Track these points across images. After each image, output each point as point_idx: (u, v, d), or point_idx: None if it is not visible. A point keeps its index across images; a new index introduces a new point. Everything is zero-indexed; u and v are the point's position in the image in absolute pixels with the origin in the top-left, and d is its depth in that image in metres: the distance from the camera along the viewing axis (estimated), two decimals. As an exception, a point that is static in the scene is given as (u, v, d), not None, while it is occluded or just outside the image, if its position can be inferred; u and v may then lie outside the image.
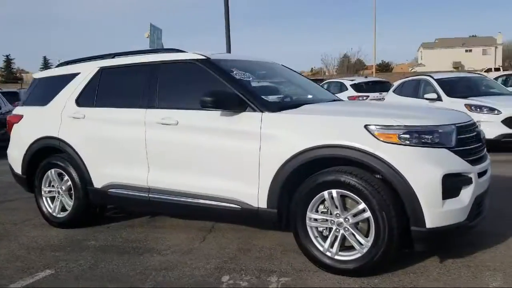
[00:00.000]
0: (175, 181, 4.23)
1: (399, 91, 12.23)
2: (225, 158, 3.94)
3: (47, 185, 5.25)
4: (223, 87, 4.03)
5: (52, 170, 5.13)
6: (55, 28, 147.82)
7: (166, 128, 4.26)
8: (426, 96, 10.62)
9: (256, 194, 3.79)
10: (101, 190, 4.74)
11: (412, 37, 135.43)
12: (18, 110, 5.69)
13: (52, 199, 5.25)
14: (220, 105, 3.87)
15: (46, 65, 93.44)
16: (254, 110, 3.86)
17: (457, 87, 10.72)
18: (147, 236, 4.72)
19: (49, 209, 5.21)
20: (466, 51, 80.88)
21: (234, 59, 4.67)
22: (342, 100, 5.35)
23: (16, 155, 5.48)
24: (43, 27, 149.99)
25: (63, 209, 5.18)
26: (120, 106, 4.67)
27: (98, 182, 4.75)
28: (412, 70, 70.38)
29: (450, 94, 10.31)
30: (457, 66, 73.28)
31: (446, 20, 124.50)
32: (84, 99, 4.97)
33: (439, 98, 10.34)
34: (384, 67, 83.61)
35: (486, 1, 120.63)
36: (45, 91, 5.45)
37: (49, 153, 5.22)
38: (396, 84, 12.78)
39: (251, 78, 4.25)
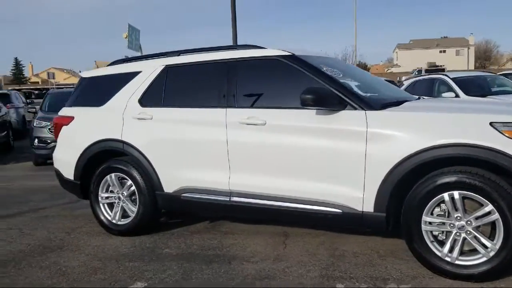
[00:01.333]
0: (263, 185, 4.02)
1: (411, 90, 12.21)
2: (323, 160, 3.75)
3: (104, 191, 4.95)
4: (316, 85, 3.84)
5: (112, 175, 4.84)
6: (25, 28, 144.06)
7: (252, 128, 4.04)
8: (443, 95, 10.64)
9: (360, 198, 3.62)
10: (172, 195, 4.49)
11: (385, 39, 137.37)
12: (66, 111, 5.35)
13: (110, 205, 4.96)
14: (321, 103, 3.68)
15: (17, 66, 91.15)
16: (355, 108, 3.68)
17: (474, 85, 10.78)
18: (221, 243, 4.49)
19: (108, 216, 4.91)
20: (440, 51, 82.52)
21: (316, 56, 4.48)
22: (426, 98, 5.24)
23: (67, 159, 5.15)
24: (12, 27, 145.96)
25: (123, 216, 4.88)
26: (193, 106, 4.43)
27: (169, 186, 4.49)
28: (388, 71, 71.41)
29: (467, 92, 10.34)
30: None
31: (419, 21, 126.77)
32: (149, 99, 4.69)
33: (457, 97, 10.36)
34: (363, 68, 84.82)
35: (457, 3, 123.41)
36: (99, 91, 5.15)
37: (107, 157, 4.92)
38: (406, 83, 12.78)
39: (341, 75, 4.07)
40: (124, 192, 4.81)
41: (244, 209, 4.16)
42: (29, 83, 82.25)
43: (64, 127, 5.24)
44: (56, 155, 5.39)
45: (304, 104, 3.67)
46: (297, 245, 4.31)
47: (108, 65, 5.35)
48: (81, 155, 4.98)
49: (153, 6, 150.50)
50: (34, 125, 10.31)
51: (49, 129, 10.12)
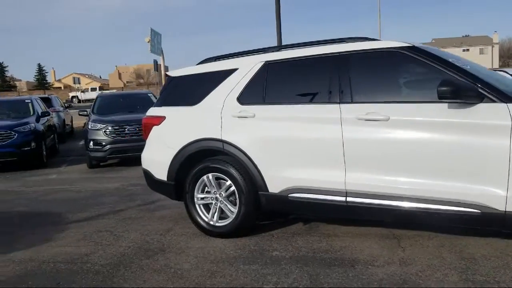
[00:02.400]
0: (387, 184, 3.81)
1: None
2: (459, 157, 3.53)
3: (200, 192, 4.80)
4: (446, 77, 3.62)
5: (210, 175, 4.68)
6: (47, 35, 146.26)
7: (373, 124, 3.83)
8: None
9: (503, 196, 3.39)
10: (278, 195, 4.31)
11: (404, 38, 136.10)
12: (156, 111, 5.22)
13: (206, 206, 4.81)
14: (458, 95, 3.46)
15: (40, 72, 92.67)
16: (494, 101, 3.45)
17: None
18: (330, 246, 4.29)
19: (205, 218, 4.76)
20: (464, 50, 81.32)
21: (431, 47, 4.25)
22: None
23: (159, 159, 5.02)
24: (35, 34, 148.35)
25: (220, 217, 4.72)
26: (300, 102, 4.25)
27: (275, 186, 4.31)
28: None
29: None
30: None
31: (440, 20, 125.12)
32: (249, 97, 4.53)
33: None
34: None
35: (479, 2, 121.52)
36: (191, 90, 5.00)
37: (202, 157, 4.77)
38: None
39: (468, 67, 3.85)
40: (222, 193, 4.65)
41: (362, 210, 3.96)
42: (51, 89, 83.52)
43: (154, 127, 5.11)
44: (146, 155, 5.26)
45: (442, 97, 3.46)
46: (415, 248, 4.09)
47: (197, 64, 5.20)
48: (176, 155, 4.84)
49: (172, 10, 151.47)
50: (89, 127, 10.27)
51: (104, 131, 10.08)
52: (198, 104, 4.82)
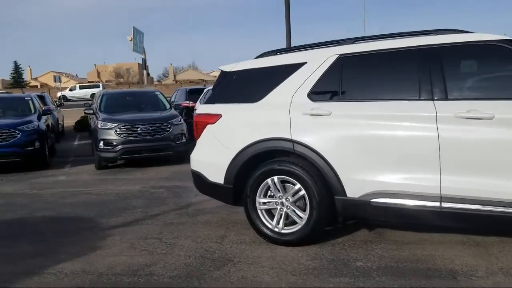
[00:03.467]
0: (491, 189, 3.53)
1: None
2: None
3: (262, 196, 4.44)
4: None
5: (275, 178, 4.33)
6: (22, 32, 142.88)
7: (475, 123, 3.55)
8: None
9: None
10: (359, 200, 3.99)
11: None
12: (209, 108, 4.84)
13: (268, 212, 4.45)
14: None
15: (17, 70, 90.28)
16: None
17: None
18: (414, 254, 4.01)
19: (268, 224, 4.41)
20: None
21: None
22: None
23: (215, 161, 4.65)
24: (9, 31, 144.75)
25: (286, 223, 4.38)
26: (384, 99, 3.93)
27: (355, 190, 3.99)
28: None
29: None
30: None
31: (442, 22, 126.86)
32: (322, 93, 4.21)
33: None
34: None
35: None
36: (251, 86, 4.65)
37: (266, 158, 4.42)
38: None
39: None
40: (289, 197, 4.31)
41: (458, 216, 3.67)
42: (27, 87, 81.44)
43: (209, 126, 4.74)
44: (197, 156, 4.88)
45: None
46: (509, 255, 3.82)
47: (256, 58, 4.84)
48: (236, 156, 4.48)
49: (152, 8, 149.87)
50: (99, 126, 9.77)
51: (116, 131, 9.60)
52: (260, 101, 4.47)
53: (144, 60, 26.11)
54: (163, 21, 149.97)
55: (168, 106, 11.21)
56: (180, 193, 7.12)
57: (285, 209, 4.34)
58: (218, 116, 4.69)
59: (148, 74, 70.33)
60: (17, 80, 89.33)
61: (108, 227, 5.37)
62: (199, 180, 4.87)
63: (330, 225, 4.67)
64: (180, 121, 10.35)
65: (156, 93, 12.00)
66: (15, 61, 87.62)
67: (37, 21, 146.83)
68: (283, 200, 4.33)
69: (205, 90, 13.03)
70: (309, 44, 4.59)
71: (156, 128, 9.83)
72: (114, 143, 9.60)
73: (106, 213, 6.04)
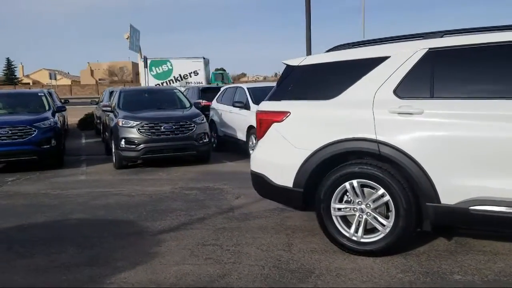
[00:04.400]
0: None
1: None
2: None
3: (337, 201, 4.09)
4: None
5: (354, 182, 3.98)
6: (14, 29, 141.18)
7: None
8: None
9: None
10: (455, 208, 3.64)
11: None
12: (275, 105, 4.48)
13: (343, 218, 4.10)
14: None
15: (9, 67, 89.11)
16: None
17: None
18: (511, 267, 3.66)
19: (345, 232, 4.06)
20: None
21: None
22: None
23: (283, 162, 4.30)
24: (2, 28, 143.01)
25: (365, 231, 4.03)
26: (487, 97, 3.58)
27: (450, 197, 3.65)
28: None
29: None
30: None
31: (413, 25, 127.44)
32: (410, 90, 3.86)
33: None
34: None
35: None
36: (323, 81, 4.31)
37: (343, 160, 4.07)
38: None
39: None
40: (369, 203, 3.96)
41: None
42: (19, 84, 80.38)
43: (275, 124, 4.38)
44: (261, 157, 4.52)
45: None
46: None
47: (327, 51, 4.49)
48: (309, 157, 4.12)
49: (147, 7, 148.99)
50: (121, 124, 9.34)
51: (138, 129, 9.19)
52: (336, 98, 4.12)
53: (146, 58, 25.54)
54: (157, 20, 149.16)
55: (188, 104, 10.81)
56: (215, 195, 6.76)
57: (365, 216, 3.98)
58: (286, 114, 4.33)
59: (136, 73, 69.76)
60: (9, 77, 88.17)
61: (157, 231, 4.98)
62: (262, 183, 4.51)
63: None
64: (203, 120, 9.96)
65: (175, 91, 11.59)
66: (8, 58, 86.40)
67: (30, 18, 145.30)
68: (363, 206, 3.98)
69: (222, 89, 12.64)
70: (389, 37, 4.24)
71: (179, 127, 9.44)
72: (136, 141, 9.20)
73: (147, 216, 5.65)
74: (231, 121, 11.09)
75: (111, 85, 68.75)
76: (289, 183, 4.26)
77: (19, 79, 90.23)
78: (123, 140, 9.23)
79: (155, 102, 10.83)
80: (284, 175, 4.29)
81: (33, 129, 9.32)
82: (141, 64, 24.09)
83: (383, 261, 3.87)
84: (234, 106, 10.68)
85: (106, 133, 11.38)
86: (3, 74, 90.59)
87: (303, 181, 4.17)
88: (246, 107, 10.27)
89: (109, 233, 4.98)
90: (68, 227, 5.31)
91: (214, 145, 11.64)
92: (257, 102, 10.19)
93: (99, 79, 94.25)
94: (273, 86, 11.77)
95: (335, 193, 4.07)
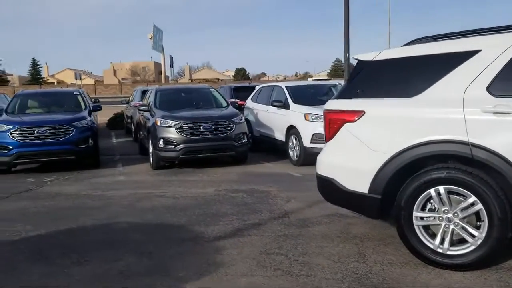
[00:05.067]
0: None
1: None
2: None
3: (420, 209, 3.72)
4: None
5: (441, 188, 3.62)
6: (42, 30, 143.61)
7: None
8: None
9: None
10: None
11: (381, 42, 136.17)
12: (347, 104, 4.15)
13: (425, 228, 3.73)
14: None
15: (35, 67, 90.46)
16: None
17: None
18: None
19: (428, 244, 3.70)
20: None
21: None
22: None
23: (358, 166, 3.96)
24: (29, 29, 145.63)
25: (452, 243, 3.65)
26: None
27: (554, 206, 3.25)
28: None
29: None
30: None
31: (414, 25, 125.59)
32: (507, 87, 3.47)
33: None
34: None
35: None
36: (403, 78, 3.95)
37: (422, 165, 3.71)
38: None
39: None
40: (457, 212, 3.59)
41: None
42: (45, 84, 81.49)
43: (347, 125, 4.04)
44: (330, 159, 4.20)
45: None
46: None
47: (405, 45, 4.13)
48: (389, 161, 3.77)
49: (167, 6, 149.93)
50: (159, 124, 9.11)
51: (177, 129, 8.94)
52: (419, 96, 3.76)
53: (172, 57, 25.39)
54: (176, 20, 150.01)
55: (225, 103, 10.53)
56: (263, 198, 6.45)
57: (452, 226, 3.61)
58: (360, 113, 3.99)
59: (162, 72, 69.90)
60: (35, 77, 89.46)
61: (213, 237, 4.69)
62: (330, 188, 4.18)
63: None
64: (242, 119, 9.67)
65: (211, 89, 11.32)
66: (33, 58, 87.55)
67: (54, 19, 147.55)
68: (450, 215, 3.61)
69: (257, 88, 12.32)
70: (471, 30, 3.87)
71: (219, 127, 9.17)
72: (175, 142, 8.96)
73: (198, 220, 5.38)
74: (268, 121, 10.76)
75: (134, 85, 69.16)
76: (364, 189, 3.92)
77: (45, 79, 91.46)
78: (162, 140, 8.99)
79: (192, 101, 10.59)
80: (358, 179, 3.95)
81: (71, 128, 9.17)
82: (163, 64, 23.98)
83: (473, 275, 3.51)
84: (272, 105, 10.35)
85: (141, 133, 11.19)
86: (29, 74, 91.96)
87: (381, 187, 3.82)
88: (286, 106, 9.94)
89: (162, 239, 4.72)
90: (119, 231, 5.06)
91: (249, 145, 11.32)
92: (296, 101, 9.87)
93: (122, 79, 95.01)
94: (312, 85, 11.33)
95: (417, 201, 3.72)
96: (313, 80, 28.83)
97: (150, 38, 57.75)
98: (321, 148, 8.70)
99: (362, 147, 3.94)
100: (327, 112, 4.27)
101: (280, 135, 10.11)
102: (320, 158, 4.35)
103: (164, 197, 6.71)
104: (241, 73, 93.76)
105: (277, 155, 10.46)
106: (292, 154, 9.55)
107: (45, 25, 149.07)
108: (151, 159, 9.45)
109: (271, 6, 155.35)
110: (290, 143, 9.63)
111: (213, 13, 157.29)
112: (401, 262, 3.84)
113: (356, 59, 4.29)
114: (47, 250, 4.47)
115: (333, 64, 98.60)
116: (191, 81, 75.67)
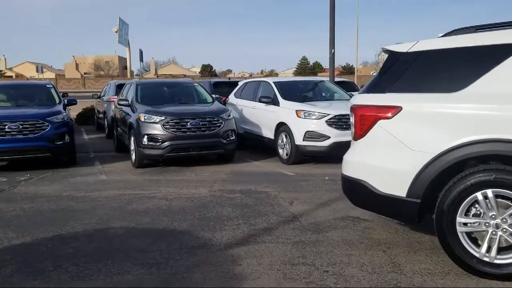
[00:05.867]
0: None
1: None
2: None
3: (463, 214, 3.42)
4: None
5: (488, 192, 3.32)
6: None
7: None
8: None
9: None
10: None
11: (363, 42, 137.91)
12: (379, 99, 3.79)
13: (469, 235, 3.43)
14: None
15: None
16: None
17: None
18: None
19: (473, 252, 3.41)
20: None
21: None
22: None
23: (395, 167, 3.61)
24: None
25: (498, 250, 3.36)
26: None
27: None
28: (374, 73, 71.33)
29: None
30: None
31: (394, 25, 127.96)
32: None
33: None
34: (349, 70, 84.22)
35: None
36: (443, 71, 3.64)
37: (464, 166, 3.41)
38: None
39: None
40: (505, 217, 3.30)
41: None
42: (2, 77, 78.21)
43: (381, 122, 3.70)
44: (362, 160, 3.84)
45: None
46: None
47: (443, 35, 3.80)
48: (431, 162, 3.45)
49: (132, 2, 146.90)
50: (142, 120, 8.54)
51: (163, 125, 8.41)
52: (463, 91, 3.45)
53: (141, 51, 24.58)
54: (141, 15, 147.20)
55: (210, 98, 10.05)
56: (263, 199, 6.08)
57: (500, 232, 3.32)
58: (396, 109, 3.64)
59: (128, 67, 68.15)
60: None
61: (224, 245, 4.27)
62: (361, 191, 3.82)
63: None
64: (230, 116, 9.23)
65: (195, 84, 10.81)
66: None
67: (12, 9, 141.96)
68: (498, 220, 3.31)
69: (241, 83, 11.86)
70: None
71: (206, 123, 8.70)
72: (161, 139, 8.41)
73: (201, 224, 4.94)
74: (254, 118, 10.34)
75: (98, 79, 67.05)
76: (401, 193, 3.58)
77: (2, 72, 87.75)
78: (146, 136, 8.44)
79: (175, 96, 10.07)
80: (394, 182, 3.61)
81: (46, 123, 8.47)
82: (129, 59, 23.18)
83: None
84: (260, 101, 9.93)
85: (119, 129, 10.57)
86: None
87: (422, 190, 3.49)
88: (274, 102, 9.54)
89: (169, 246, 4.25)
90: (115, 238, 4.55)
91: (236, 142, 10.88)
92: (286, 97, 9.49)
93: (85, 73, 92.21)
94: (300, 80, 10.91)
95: (462, 205, 3.41)
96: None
97: (116, 32, 56.10)
98: (315, 146, 8.58)
99: (399, 147, 3.60)
100: (357, 108, 3.90)
101: (268, 133, 9.71)
102: (348, 158, 3.98)
103: (156, 199, 6.21)
104: (207, 70, 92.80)
105: (263, 153, 10.09)
106: (282, 152, 9.17)
107: (2, 16, 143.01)
108: (133, 157, 8.88)
109: (238, 3, 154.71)
110: (280, 141, 9.25)
111: (179, 9, 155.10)
112: (440, 272, 3.53)
113: (388, 50, 3.94)
114: (38, 261, 3.93)
115: (299, 62, 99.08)
116: (157, 76, 74.14)
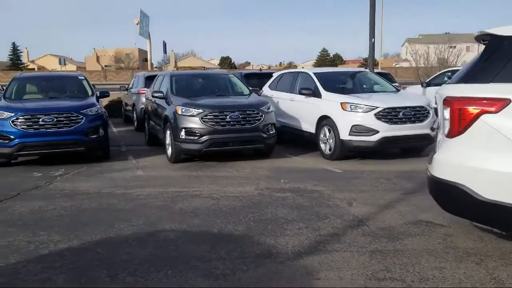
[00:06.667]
0: None
1: None
2: None
3: None
4: None
5: None
6: (22, 14, 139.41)
7: None
8: None
9: None
10: None
11: (391, 33, 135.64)
12: (480, 89, 3.28)
13: None
14: None
15: (15, 52, 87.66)
16: None
17: None
18: None
19: None
20: (450, 47, 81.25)
21: None
22: None
23: (506, 170, 3.08)
24: (9, 13, 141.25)
25: None
26: None
27: None
28: (396, 65, 69.78)
29: None
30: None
31: (418, 17, 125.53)
32: None
33: None
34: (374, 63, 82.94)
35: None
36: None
37: None
38: None
39: None
40: None
41: None
42: (25, 69, 78.95)
43: (486, 116, 3.20)
44: (461, 160, 3.34)
45: None
46: None
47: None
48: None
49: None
50: (180, 112, 8.13)
51: (202, 118, 7.98)
52: None
53: (165, 44, 24.21)
54: (160, 7, 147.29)
55: (247, 91, 9.58)
56: (317, 199, 5.64)
57: None
58: (504, 102, 3.13)
59: (148, 59, 68.09)
60: (15, 62, 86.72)
61: (292, 253, 3.84)
62: (458, 196, 3.32)
63: None
64: (270, 109, 8.75)
65: (230, 75, 10.36)
66: (14, 43, 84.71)
67: (35, 2, 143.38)
68: None
69: (275, 74, 11.37)
70: None
71: (246, 117, 8.24)
72: (199, 132, 7.99)
73: (258, 228, 4.53)
74: (292, 111, 9.85)
75: (118, 71, 67.19)
76: (509, 198, 3.06)
77: (25, 65, 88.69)
78: (184, 130, 8.03)
79: (211, 88, 9.63)
80: (504, 188, 3.10)
81: (81, 116, 8.13)
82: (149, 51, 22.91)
83: None
84: (300, 93, 9.43)
85: (152, 122, 10.19)
86: (9, 59, 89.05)
87: (535, 195, 2.98)
88: (316, 94, 9.04)
89: (230, 254, 3.84)
90: (169, 243, 4.15)
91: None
92: (328, 89, 8.98)
93: (105, 66, 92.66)
94: (342, 71, 10.30)
95: None
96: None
97: (137, 24, 56.09)
98: (362, 141, 8.05)
99: (508, 146, 3.08)
100: (455, 100, 3.39)
101: (308, 126, 9.21)
102: (440, 158, 3.48)
103: (201, 197, 5.80)
104: (227, 62, 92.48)
105: (303, 147, 9.59)
106: (324, 147, 8.67)
107: (26, 9, 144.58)
108: (169, 151, 8.48)
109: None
110: (322, 135, 8.75)
111: (198, 1, 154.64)
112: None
113: (490, 34, 3.41)
114: (90, 269, 3.55)
115: (319, 54, 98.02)
116: (177, 68, 74.06)
